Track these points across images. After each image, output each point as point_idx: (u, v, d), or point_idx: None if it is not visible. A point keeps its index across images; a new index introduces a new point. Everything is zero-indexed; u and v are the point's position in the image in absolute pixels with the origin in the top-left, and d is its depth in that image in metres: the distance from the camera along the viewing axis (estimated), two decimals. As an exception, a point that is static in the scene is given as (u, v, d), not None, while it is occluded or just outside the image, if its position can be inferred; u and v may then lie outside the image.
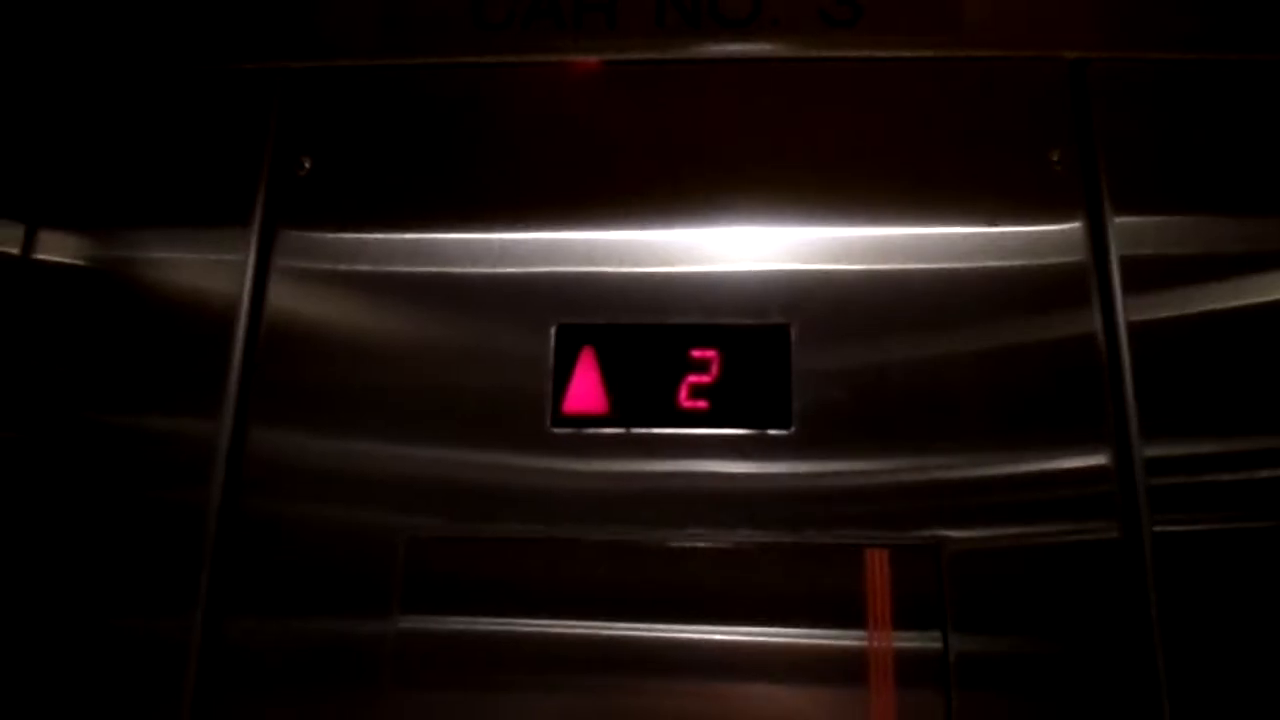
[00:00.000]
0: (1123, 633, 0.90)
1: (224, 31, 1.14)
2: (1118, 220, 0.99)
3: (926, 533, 0.92)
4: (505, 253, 1.03)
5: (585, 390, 0.98)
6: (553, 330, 1.00)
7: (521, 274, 1.03)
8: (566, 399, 0.98)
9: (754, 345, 0.98)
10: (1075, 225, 1.00)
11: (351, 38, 1.13)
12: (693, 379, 0.97)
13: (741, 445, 0.96)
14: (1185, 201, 1.00)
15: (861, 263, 1.00)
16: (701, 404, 0.97)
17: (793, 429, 0.95)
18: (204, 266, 1.05)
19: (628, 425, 0.97)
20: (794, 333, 0.98)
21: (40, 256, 1.07)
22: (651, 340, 0.99)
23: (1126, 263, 0.98)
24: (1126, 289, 0.97)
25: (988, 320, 0.98)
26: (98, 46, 1.14)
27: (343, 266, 1.04)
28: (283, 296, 1.04)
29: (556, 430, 0.98)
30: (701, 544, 0.94)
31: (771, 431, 0.96)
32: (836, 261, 1.01)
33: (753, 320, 0.99)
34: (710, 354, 0.98)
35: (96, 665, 0.94)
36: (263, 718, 0.93)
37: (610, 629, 0.93)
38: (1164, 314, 0.97)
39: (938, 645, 0.90)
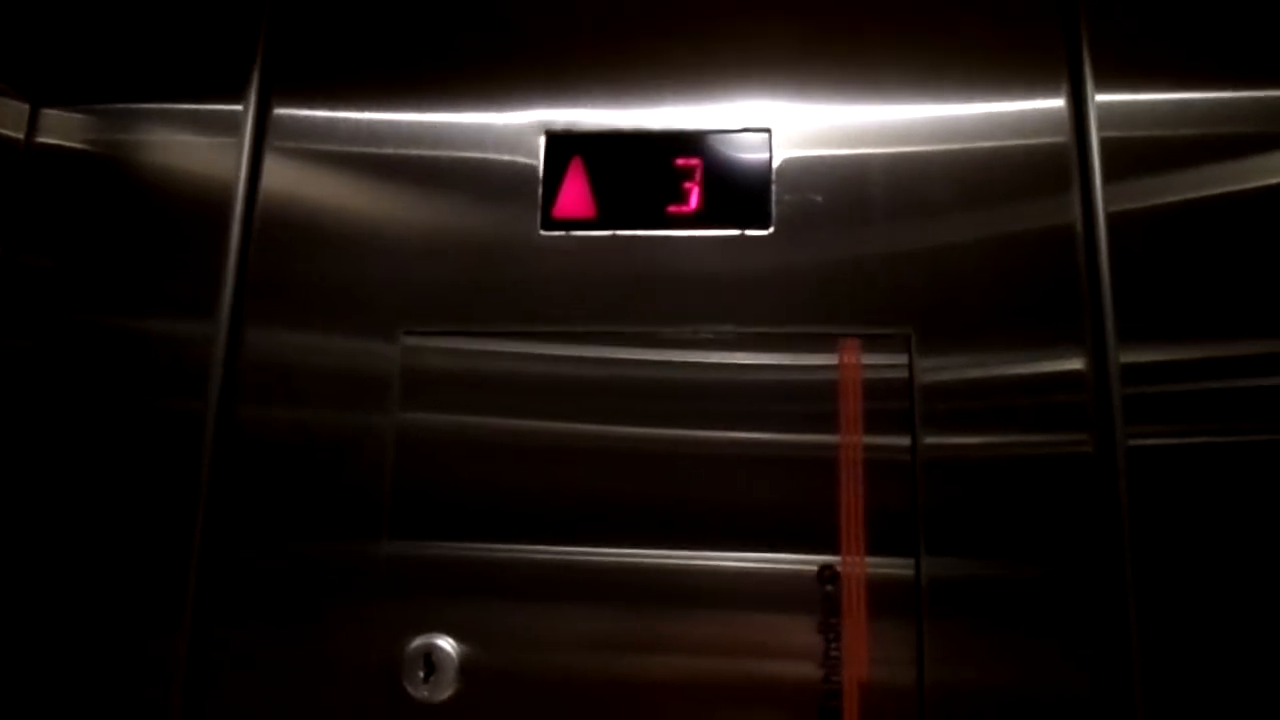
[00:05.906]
0: (1092, 551, 0.89)
1: None
2: (1098, 80, 0.97)
3: (897, 328, 0.97)
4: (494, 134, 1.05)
5: (574, 196, 1.02)
6: (542, 139, 1.04)
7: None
8: (556, 205, 1.02)
9: (736, 152, 1.02)
10: (1057, 92, 0.98)
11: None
12: (677, 185, 1.01)
13: (723, 246, 1.00)
14: (1167, 54, 0.97)
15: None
16: (686, 208, 1.01)
17: (772, 229, 1.00)
18: (199, 147, 1.07)
19: (614, 228, 1.01)
20: (774, 137, 1.02)
21: (41, 140, 1.09)
22: (638, 148, 1.03)
23: (1108, 143, 0.96)
24: (1107, 170, 0.95)
25: (961, 208, 0.97)
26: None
27: (336, 147, 1.06)
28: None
29: (546, 233, 1.01)
30: (686, 336, 0.98)
31: (751, 232, 1.00)
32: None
33: (735, 127, 1.03)
34: (694, 162, 1.02)
35: (98, 564, 0.98)
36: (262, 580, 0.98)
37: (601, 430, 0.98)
38: (1145, 203, 0.94)
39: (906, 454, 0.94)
